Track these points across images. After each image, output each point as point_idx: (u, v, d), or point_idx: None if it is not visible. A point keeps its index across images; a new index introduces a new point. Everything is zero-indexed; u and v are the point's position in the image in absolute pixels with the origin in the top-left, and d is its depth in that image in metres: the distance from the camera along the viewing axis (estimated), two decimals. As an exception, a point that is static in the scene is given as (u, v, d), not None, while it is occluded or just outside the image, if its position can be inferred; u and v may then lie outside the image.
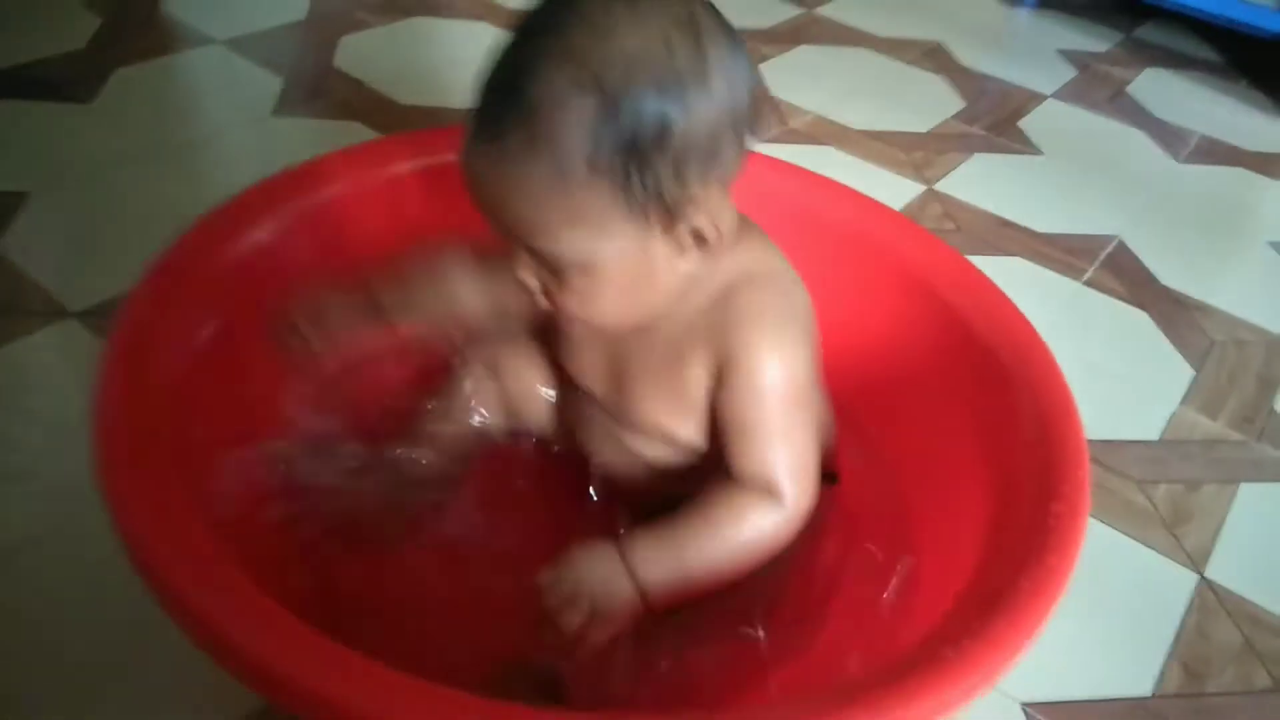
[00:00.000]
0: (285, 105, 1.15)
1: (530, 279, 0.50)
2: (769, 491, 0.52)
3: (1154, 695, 0.67)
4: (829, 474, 0.69)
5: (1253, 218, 1.27)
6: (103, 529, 0.45)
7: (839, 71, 1.46)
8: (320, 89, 1.20)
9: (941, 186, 1.20)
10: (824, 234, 0.74)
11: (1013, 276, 1.06)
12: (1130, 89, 1.54)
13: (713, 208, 0.48)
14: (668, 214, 0.47)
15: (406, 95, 1.20)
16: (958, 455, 0.63)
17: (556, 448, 0.67)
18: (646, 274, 0.49)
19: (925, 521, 0.63)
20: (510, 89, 0.44)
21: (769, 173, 0.75)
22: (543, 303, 0.51)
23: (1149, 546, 0.77)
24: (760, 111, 0.49)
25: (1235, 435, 0.90)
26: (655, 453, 0.58)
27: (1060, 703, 0.65)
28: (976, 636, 0.44)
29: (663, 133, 0.44)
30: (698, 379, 0.53)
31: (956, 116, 1.37)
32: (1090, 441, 0.86)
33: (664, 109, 0.44)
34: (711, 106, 0.46)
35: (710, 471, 0.54)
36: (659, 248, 0.49)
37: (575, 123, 0.43)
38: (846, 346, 0.72)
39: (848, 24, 1.61)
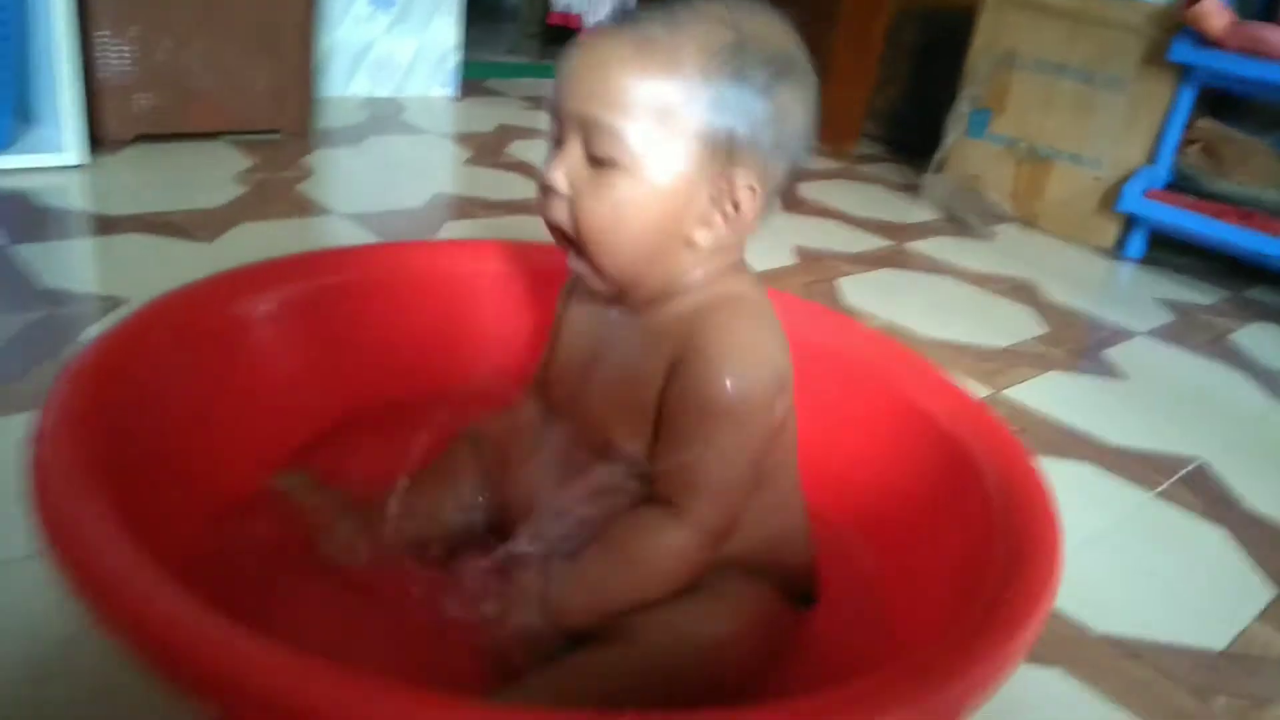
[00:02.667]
0: (381, 267, 1.25)
1: (564, 180, 0.52)
2: (676, 503, 0.51)
3: None
4: (805, 595, 0.63)
5: (1364, 463, 1.16)
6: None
7: (918, 292, 1.48)
8: (417, 258, 1.30)
9: (1010, 393, 1.16)
10: (828, 365, 0.72)
11: (1077, 480, 1.00)
12: (1233, 336, 1.49)
13: (755, 185, 0.52)
14: (729, 157, 0.51)
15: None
16: (940, 586, 0.57)
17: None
18: (675, 215, 0.52)
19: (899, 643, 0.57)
20: (665, 5, 0.51)
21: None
22: (560, 214, 0.53)
23: (1198, 756, 0.66)
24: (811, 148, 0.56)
25: (1321, 660, 0.78)
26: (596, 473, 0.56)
27: None
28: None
29: (762, 91, 0.51)
30: (654, 374, 0.53)
31: (1037, 339, 1.35)
32: (1139, 642, 0.77)
33: (771, 75, 0.52)
34: (796, 105, 0.53)
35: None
36: (700, 195, 0.52)
37: (708, 40, 0.50)
38: (847, 476, 0.69)
39: (937, 258, 1.64)
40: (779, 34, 0.53)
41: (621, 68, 0.50)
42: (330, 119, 1.88)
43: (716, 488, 0.51)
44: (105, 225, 1.24)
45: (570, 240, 0.54)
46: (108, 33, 1.46)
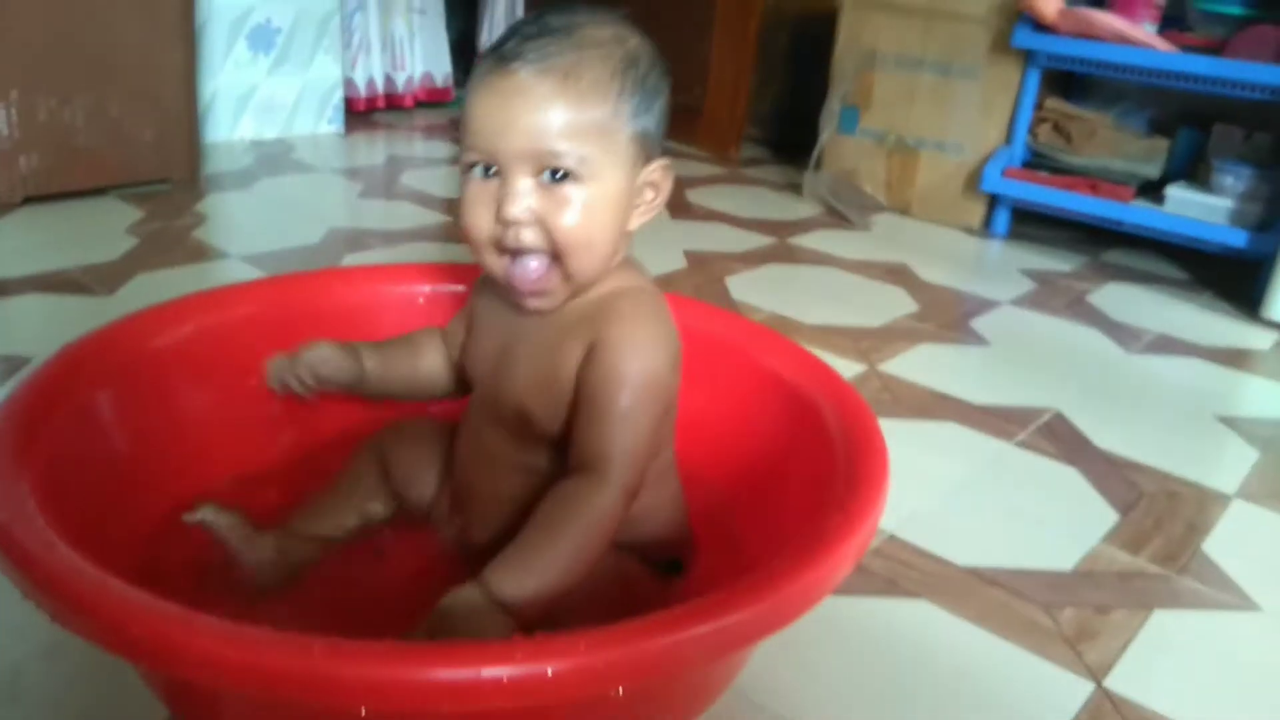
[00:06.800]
0: (282, 304, 1.29)
1: (526, 212, 0.58)
2: (596, 469, 0.58)
3: (1029, 792, 0.63)
4: (674, 561, 0.70)
5: (1203, 396, 1.28)
6: None
7: (801, 283, 1.57)
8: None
9: (884, 368, 1.25)
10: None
11: (943, 437, 1.09)
12: (1090, 298, 1.61)
13: (664, 165, 0.63)
14: (647, 151, 0.62)
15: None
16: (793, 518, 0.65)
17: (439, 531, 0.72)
18: (625, 209, 0.62)
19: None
20: (560, 30, 0.59)
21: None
22: (532, 239, 0.59)
23: (1046, 659, 0.75)
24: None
25: (1155, 569, 0.87)
26: (517, 453, 0.64)
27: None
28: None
29: (655, 91, 0.62)
30: (569, 357, 0.61)
31: (909, 316, 1.45)
32: (996, 570, 0.85)
33: (657, 77, 0.62)
34: (667, 95, 0.63)
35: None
36: (634, 187, 0.62)
37: (607, 61, 0.59)
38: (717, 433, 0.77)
39: (819, 250, 1.74)
40: (640, 39, 0.63)
41: (558, 103, 0.57)
42: (219, 164, 1.90)
43: (631, 452, 0.59)
44: (0, 288, 1.26)
45: (551, 256, 0.60)
46: (-14, 98, 1.47)
